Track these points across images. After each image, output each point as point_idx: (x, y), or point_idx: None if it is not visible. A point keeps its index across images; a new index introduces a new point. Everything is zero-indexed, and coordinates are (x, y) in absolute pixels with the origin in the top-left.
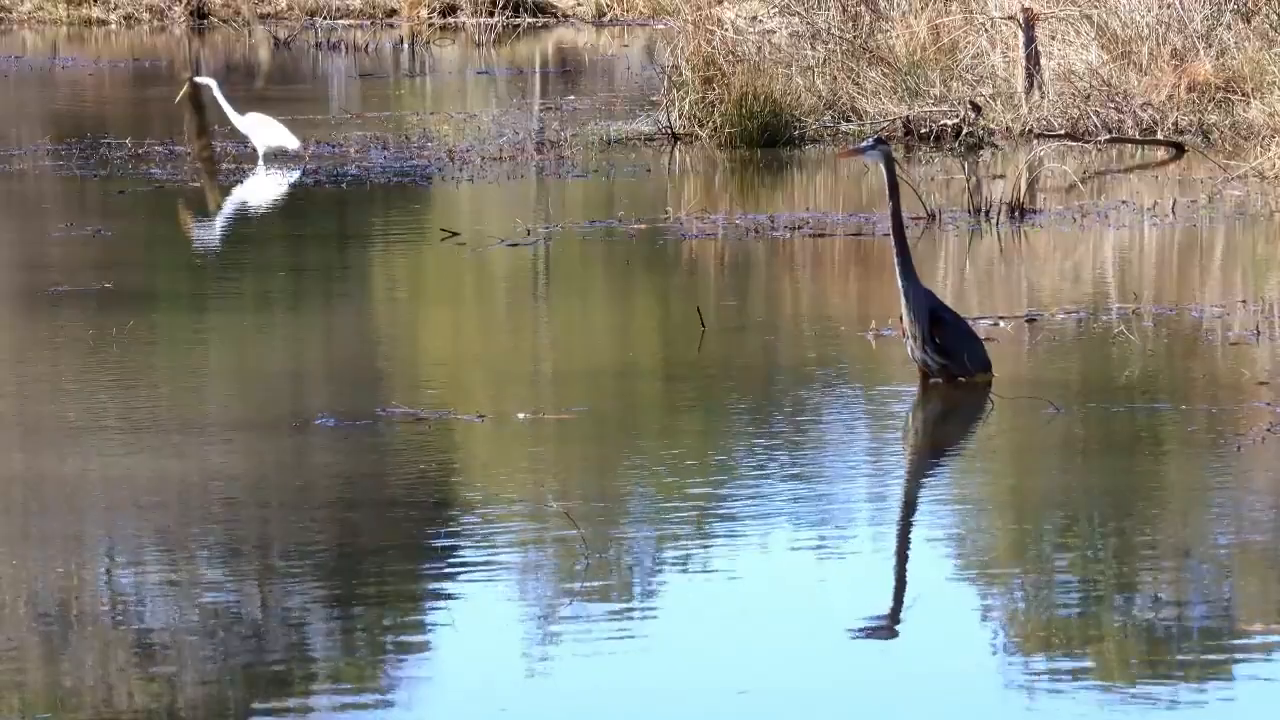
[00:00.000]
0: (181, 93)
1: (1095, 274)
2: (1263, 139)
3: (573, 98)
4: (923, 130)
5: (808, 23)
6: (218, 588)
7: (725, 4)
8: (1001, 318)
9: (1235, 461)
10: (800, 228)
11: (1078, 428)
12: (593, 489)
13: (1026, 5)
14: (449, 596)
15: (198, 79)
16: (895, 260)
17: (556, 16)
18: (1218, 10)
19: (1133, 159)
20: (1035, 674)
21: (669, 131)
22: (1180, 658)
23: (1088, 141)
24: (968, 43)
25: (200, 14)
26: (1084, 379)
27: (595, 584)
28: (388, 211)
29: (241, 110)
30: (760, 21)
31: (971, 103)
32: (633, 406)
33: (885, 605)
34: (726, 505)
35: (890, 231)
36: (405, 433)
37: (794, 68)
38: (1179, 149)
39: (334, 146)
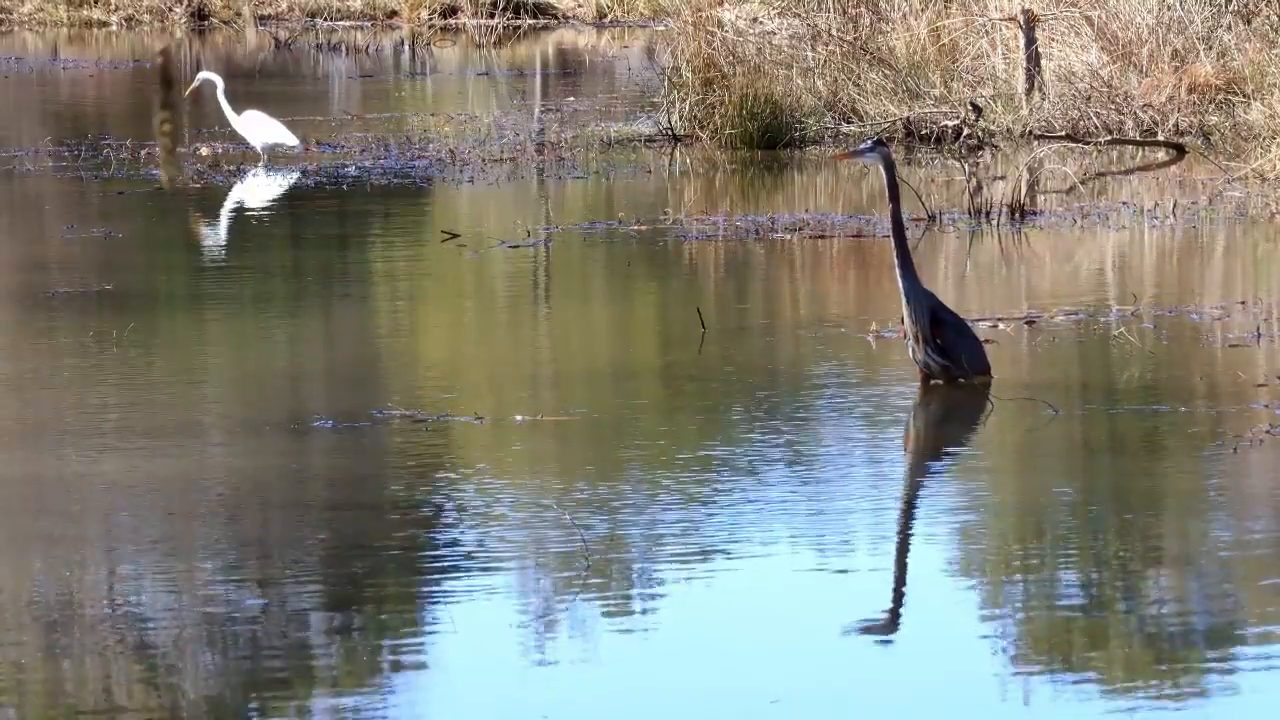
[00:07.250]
0: (191, 87)
1: (1095, 276)
2: (1263, 140)
3: (573, 99)
4: (923, 131)
5: (808, 24)
6: (216, 588)
7: (725, 5)
8: (1001, 319)
9: (1234, 463)
10: (801, 229)
11: (1076, 429)
12: (592, 490)
13: (1027, 7)
14: (448, 598)
15: (202, 74)
16: (895, 261)
17: (557, 18)
18: (1218, 12)
19: (1133, 160)
20: (1035, 675)
21: (669, 133)
22: (1180, 658)
23: (1088, 143)
24: (968, 44)
25: (201, 15)
26: (1083, 381)
27: (595, 585)
28: (388, 213)
29: (239, 109)
30: (760, 23)
31: (972, 104)
32: (632, 408)
33: (885, 606)
34: (726, 507)
35: (890, 233)
36: (404, 434)
37: (794, 69)
38: (1179, 150)
39: (334, 147)
